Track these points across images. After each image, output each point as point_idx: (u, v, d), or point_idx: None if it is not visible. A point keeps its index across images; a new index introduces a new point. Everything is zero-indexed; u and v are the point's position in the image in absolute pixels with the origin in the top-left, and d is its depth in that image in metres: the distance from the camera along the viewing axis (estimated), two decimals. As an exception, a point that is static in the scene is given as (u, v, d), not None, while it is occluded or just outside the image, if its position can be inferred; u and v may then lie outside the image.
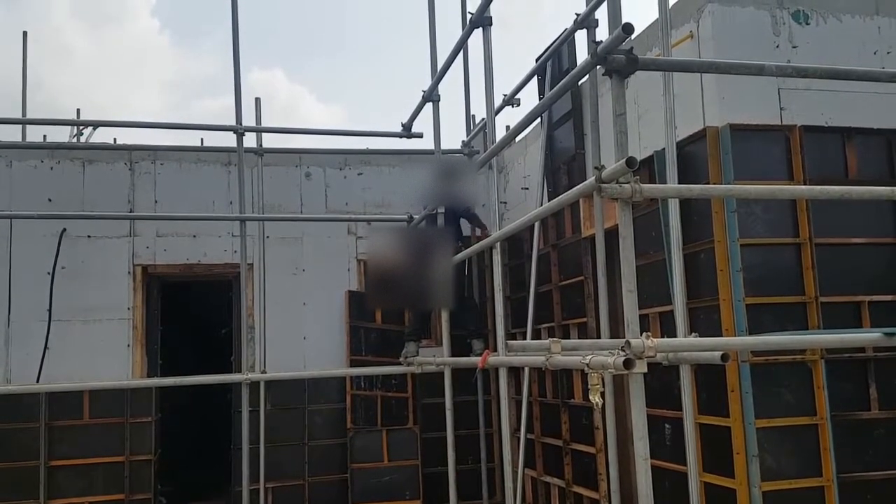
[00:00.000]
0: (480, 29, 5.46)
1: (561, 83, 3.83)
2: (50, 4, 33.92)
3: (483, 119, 9.00)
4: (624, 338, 3.09)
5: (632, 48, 3.23)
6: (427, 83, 7.00)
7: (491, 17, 5.25)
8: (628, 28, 3.06)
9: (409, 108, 7.76)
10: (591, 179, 3.24)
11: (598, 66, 3.35)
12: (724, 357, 3.64)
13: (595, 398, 3.32)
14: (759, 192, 3.83)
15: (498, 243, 5.12)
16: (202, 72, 37.81)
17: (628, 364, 3.01)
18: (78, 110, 10.87)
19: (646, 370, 3.07)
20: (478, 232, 8.34)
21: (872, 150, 5.11)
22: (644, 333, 3.06)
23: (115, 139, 9.62)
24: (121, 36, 34.98)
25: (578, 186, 3.39)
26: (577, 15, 5.50)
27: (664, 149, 4.73)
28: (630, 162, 3.00)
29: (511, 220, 8.53)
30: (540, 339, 7.27)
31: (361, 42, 37.00)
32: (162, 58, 35.22)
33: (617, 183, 3.13)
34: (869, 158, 5.09)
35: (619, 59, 3.20)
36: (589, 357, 3.29)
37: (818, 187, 4.22)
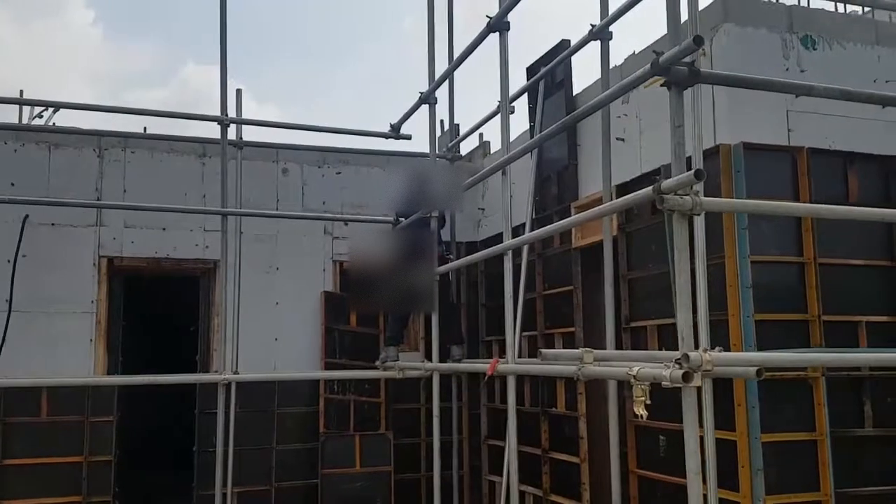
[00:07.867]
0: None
1: (614, 88, 3.79)
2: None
3: (457, 125, 9.00)
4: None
5: (694, 61, 3.24)
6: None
7: (509, 23, 5.21)
8: (699, 40, 3.06)
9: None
10: (648, 189, 3.23)
11: (654, 77, 3.34)
12: (759, 373, 3.68)
13: (640, 410, 3.31)
14: (808, 210, 3.93)
15: (510, 251, 5.06)
16: (135, 65, 36.59)
17: (687, 377, 3.00)
18: (21, 91, 10.28)
19: (700, 384, 3.07)
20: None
21: (870, 176, 5.27)
22: (701, 347, 3.05)
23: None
24: (53, 27, 33.54)
25: (634, 194, 3.37)
26: (593, 26, 5.51)
27: (670, 164, 4.77)
28: (698, 174, 3.00)
29: (488, 227, 8.59)
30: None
31: (339, 44, 36.54)
32: (94, 49, 33.90)
33: (677, 194, 3.13)
34: (867, 183, 5.25)
35: (682, 71, 3.20)
36: (637, 368, 3.27)
37: (825, 206, 4.33)
